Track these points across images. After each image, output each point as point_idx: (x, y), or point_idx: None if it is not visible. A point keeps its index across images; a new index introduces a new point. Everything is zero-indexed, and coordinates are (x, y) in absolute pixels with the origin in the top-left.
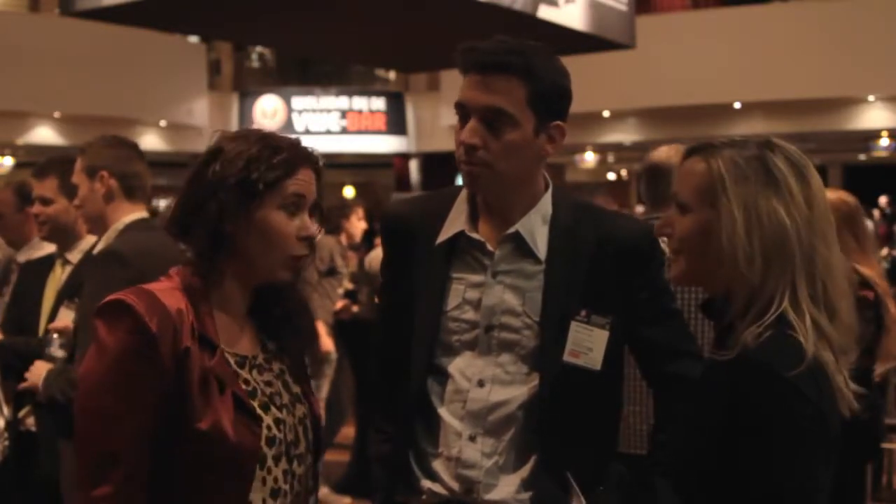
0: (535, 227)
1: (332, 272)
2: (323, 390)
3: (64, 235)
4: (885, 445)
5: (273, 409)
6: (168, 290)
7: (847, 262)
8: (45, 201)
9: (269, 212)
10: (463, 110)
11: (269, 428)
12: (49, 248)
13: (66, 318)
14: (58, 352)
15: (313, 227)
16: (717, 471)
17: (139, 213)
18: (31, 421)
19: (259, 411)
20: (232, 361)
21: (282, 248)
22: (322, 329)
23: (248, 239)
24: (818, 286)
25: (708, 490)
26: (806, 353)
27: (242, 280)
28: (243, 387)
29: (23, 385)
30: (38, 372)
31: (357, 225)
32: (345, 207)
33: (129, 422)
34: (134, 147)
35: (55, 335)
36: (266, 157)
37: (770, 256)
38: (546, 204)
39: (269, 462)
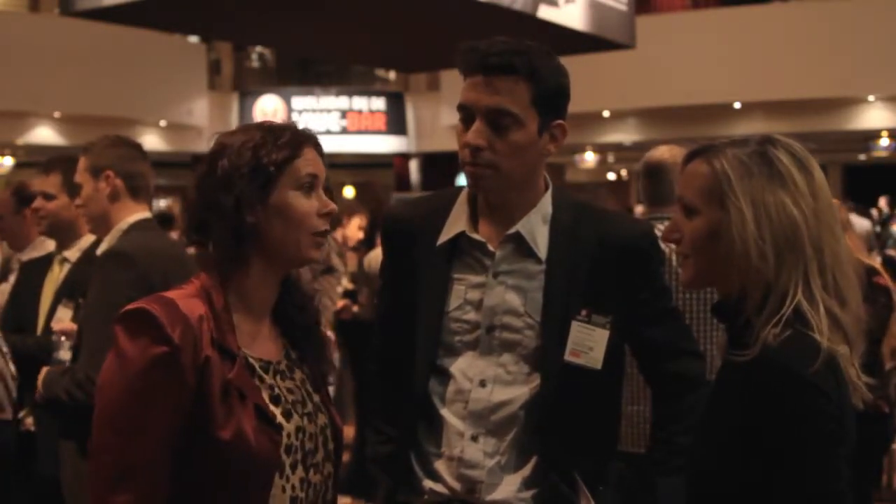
0: (536, 227)
1: (329, 270)
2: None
3: (64, 233)
4: None
5: (296, 416)
6: (187, 298)
7: (853, 254)
8: (48, 196)
9: (286, 193)
10: (467, 112)
11: (288, 436)
12: (50, 247)
13: (64, 316)
14: (67, 355)
15: (331, 203)
16: (738, 473)
17: (143, 213)
18: (30, 421)
19: (280, 419)
20: (257, 366)
21: (306, 227)
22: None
23: (271, 225)
24: (829, 276)
25: (729, 492)
26: (822, 348)
27: (270, 272)
28: (268, 393)
29: (38, 396)
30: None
31: (355, 231)
32: (349, 209)
33: (151, 433)
34: (138, 147)
35: (63, 338)
36: (271, 140)
37: (782, 249)
38: (546, 204)
39: (287, 470)
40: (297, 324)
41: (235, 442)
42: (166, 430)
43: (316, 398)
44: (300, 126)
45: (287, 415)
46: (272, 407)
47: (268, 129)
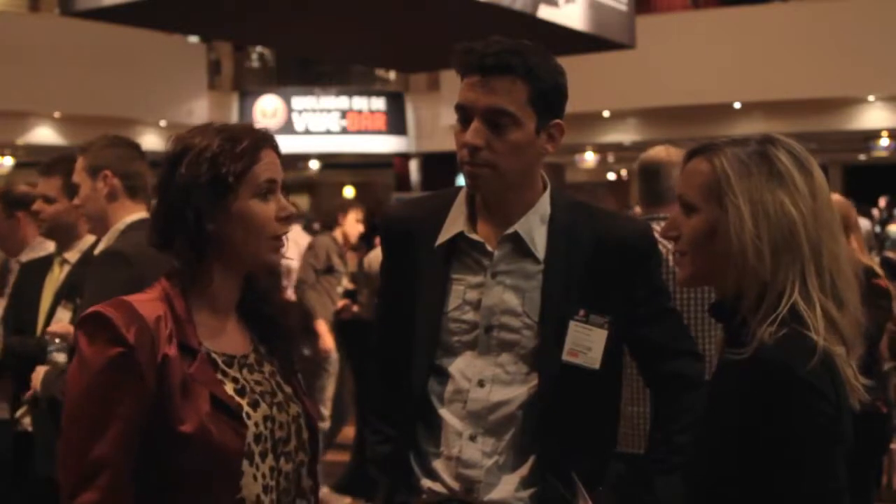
0: (534, 227)
1: (329, 270)
2: (329, 389)
3: (64, 235)
4: None
5: (263, 405)
6: (147, 301)
7: (853, 254)
8: (49, 200)
9: (245, 202)
10: (464, 112)
11: (256, 425)
12: (50, 248)
13: (64, 317)
14: (57, 356)
15: (290, 205)
16: (735, 472)
17: (141, 213)
18: (27, 421)
19: (247, 409)
20: (220, 361)
21: (265, 233)
22: (323, 327)
23: (232, 232)
24: (826, 277)
25: (726, 492)
26: (818, 347)
27: (231, 273)
28: (232, 385)
29: (29, 394)
30: (40, 377)
31: (354, 226)
32: (342, 206)
33: (112, 430)
34: (136, 146)
35: (56, 340)
36: (229, 149)
37: (779, 248)
38: (544, 204)
39: (257, 459)
40: (263, 315)
41: (198, 435)
42: (128, 429)
43: (287, 389)
44: (298, 124)
45: (254, 405)
46: (237, 398)
47: (227, 135)
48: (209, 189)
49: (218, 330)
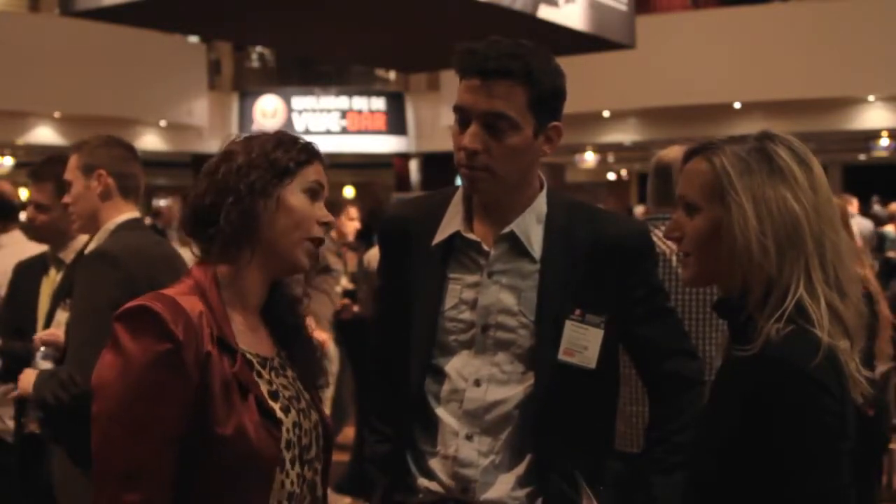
0: (530, 226)
1: (325, 270)
2: (328, 389)
3: (58, 237)
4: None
5: (293, 411)
6: (186, 295)
7: (854, 248)
8: (41, 208)
9: (295, 193)
10: (463, 114)
11: (287, 431)
12: (41, 247)
13: (64, 319)
14: (43, 363)
15: (331, 215)
16: (739, 470)
17: (131, 213)
18: (34, 424)
19: (280, 414)
20: (255, 361)
21: (305, 230)
22: (319, 326)
23: (274, 219)
24: (830, 270)
25: (730, 490)
26: (822, 343)
27: (262, 271)
28: (266, 388)
29: (13, 394)
30: (28, 379)
31: (348, 224)
32: (336, 205)
33: (156, 430)
34: (130, 147)
35: (42, 347)
36: (289, 143)
37: (783, 244)
38: (541, 204)
39: (287, 465)
40: (286, 323)
41: (237, 438)
42: (172, 428)
43: (307, 396)
44: (298, 124)
45: (285, 410)
46: (271, 402)
47: (286, 136)
48: (268, 168)
49: (248, 329)
